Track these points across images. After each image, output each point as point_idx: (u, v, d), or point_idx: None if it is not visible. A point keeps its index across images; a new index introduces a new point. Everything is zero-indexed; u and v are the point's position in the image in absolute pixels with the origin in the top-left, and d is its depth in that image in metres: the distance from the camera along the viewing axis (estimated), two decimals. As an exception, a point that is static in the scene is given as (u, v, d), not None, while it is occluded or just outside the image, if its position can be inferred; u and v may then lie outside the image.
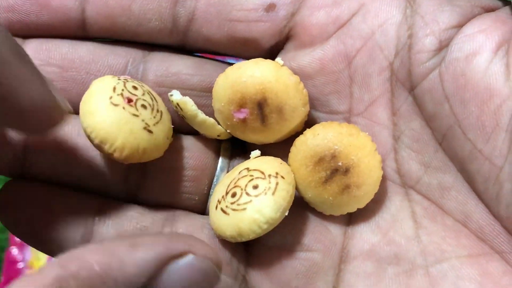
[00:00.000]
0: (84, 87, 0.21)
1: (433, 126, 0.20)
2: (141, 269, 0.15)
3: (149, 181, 0.22)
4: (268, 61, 0.21)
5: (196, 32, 0.22)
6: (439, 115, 0.19)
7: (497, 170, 0.18)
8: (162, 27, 0.21)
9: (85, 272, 0.14)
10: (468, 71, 0.19)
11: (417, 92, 0.20)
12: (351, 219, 0.22)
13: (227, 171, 0.23)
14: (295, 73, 0.21)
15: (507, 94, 0.18)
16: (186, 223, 0.22)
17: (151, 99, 0.20)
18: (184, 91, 0.22)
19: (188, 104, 0.21)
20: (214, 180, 0.23)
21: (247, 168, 0.21)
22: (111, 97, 0.19)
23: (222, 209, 0.20)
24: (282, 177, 0.20)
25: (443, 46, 0.19)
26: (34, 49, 0.21)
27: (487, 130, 0.18)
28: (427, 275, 0.20)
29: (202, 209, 0.23)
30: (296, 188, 0.21)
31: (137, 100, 0.20)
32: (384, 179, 0.21)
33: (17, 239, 0.60)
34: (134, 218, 0.21)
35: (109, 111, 0.19)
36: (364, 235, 0.21)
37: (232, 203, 0.20)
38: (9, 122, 0.16)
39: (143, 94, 0.20)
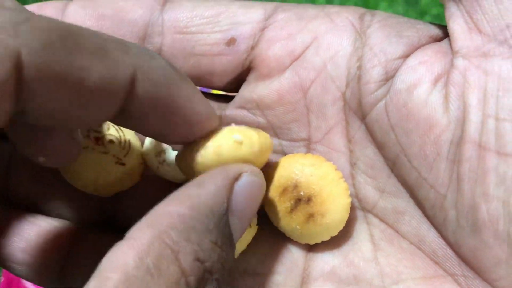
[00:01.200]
0: None
1: (384, 153, 0.21)
2: (218, 196, 0.17)
3: (123, 208, 0.23)
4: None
5: None
6: (387, 144, 0.20)
7: (441, 198, 0.19)
8: None
9: (177, 219, 0.16)
10: (410, 102, 0.19)
11: (368, 121, 0.21)
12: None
13: None
14: (257, 104, 0.22)
15: (446, 125, 0.19)
16: None
17: (117, 131, 0.22)
18: None
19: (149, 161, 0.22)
20: None
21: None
22: None
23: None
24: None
25: (389, 77, 0.20)
26: None
27: (429, 159, 0.19)
28: None
29: None
30: (270, 218, 0.22)
31: (103, 136, 0.21)
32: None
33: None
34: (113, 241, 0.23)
35: (82, 157, 0.21)
36: (325, 257, 0.22)
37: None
38: (180, 133, 0.19)
39: (108, 129, 0.21)
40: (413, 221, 0.21)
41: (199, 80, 0.23)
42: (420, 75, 0.20)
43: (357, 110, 0.21)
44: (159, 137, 0.19)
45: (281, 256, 0.23)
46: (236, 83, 0.23)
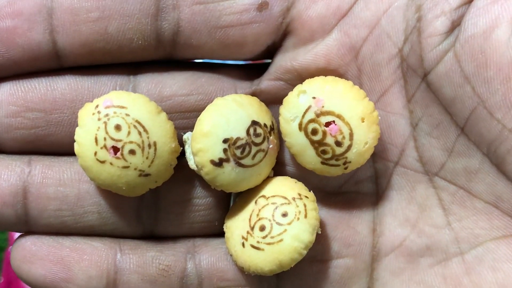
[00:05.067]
0: (72, 128, 0.20)
1: (453, 110, 0.19)
2: None
3: (163, 215, 0.21)
4: None
5: (185, 44, 0.20)
6: (459, 98, 0.18)
7: None
8: (146, 45, 0.20)
9: None
10: (488, 48, 0.17)
11: (432, 77, 0.19)
12: (378, 215, 0.21)
13: None
14: (299, 73, 0.20)
15: None
16: (208, 254, 0.21)
17: (139, 133, 0.19)
18: (184, 114, 0.20)
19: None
20: (231, 199, 0.22)
21: (264, 196, 0.20)
22: (95, 153, 0.18)
23: (253, 246, 0.19)
24: (306, 196, 0.19)
25: (455, 25, 0.18)
26: (9, 93, 0.20)
27: None
28: (462, 262, 0.20)
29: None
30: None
31: (123, 146, 0.18)
32: (405, 168, 0.20)
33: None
34: (156, 258, 0.20)
35: (99, 170, 0.19)
36: (393, 230, 0.20)
37: (263, 237, 0.19)
38: None
39: (129, 134, 0.18)
40: (488, 179, 0.19)
41: (227, 54, 0.20)
42: (495, 16, 0.17)
43: (418, 66, 0.19)
44: None
45: (347, 238, 0.21)
46: (268, 51, 0.20)
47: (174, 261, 0.21)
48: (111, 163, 0.18)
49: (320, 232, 0.20)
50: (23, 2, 0.19)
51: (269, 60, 0.21)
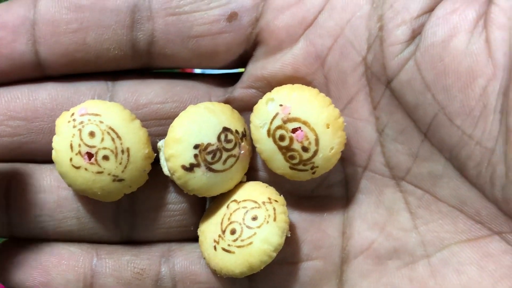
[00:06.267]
0: (51, 135, 0.20)
1: (416, 117, 0.19)
2: None
3: (139, 221, 0.22)
4: None
5: (160, 53, 0.21)
6: (421, 105, 0.19)
7: (489, 153, 0.18)
8: (122, 55, 0.20)
9: None
10: (446, 56, 0.18)
11: (395, 84, 0.19)
12: (348, 218, 0.21)
13: None
14: (268, 81, 0.20)
15: (491, 73, 0.17)
16: (182, 257, 0.22)
17: (112, 140, 0.19)
18: (159, 122, 0.21)
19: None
20: (207, 205, 0.22)
21: (235, 200, 0.20)
22: (71, 159, 0.19)
23: (224, 249, 0.20)
24: (276, 200, 0.20)
25: (416, 34, 0.18)
26: None
27: (475, 113, 0.18)
28: (428, 265, 0.20)
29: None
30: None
31: (97, 152, 0.19)
32: (373, 173, 0.21)
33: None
34: (131, 262, 0.21)
35: (75, 176, 0.19)
36: (362, 233, 0.21)
37: (234, 240, 0.20)
38: None
39: (102, 140, 0.19)
40: (452, 183, 0.20)
41: (200, 62, 0.21)
42: (453, 25, 0.18)
43: (381, 74, 0.19)
44: None
45: (317, 240, 0.21)
46: (241, 60, 0.21)
47: (148, 265, 0.21)
48: (85, 169, 0.19)
49: (289, 235, 0.20)
50: (7, 15, 0.20)
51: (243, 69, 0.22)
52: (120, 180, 0.19)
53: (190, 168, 0.20)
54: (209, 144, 0.20)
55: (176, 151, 0.19)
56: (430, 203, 0.20)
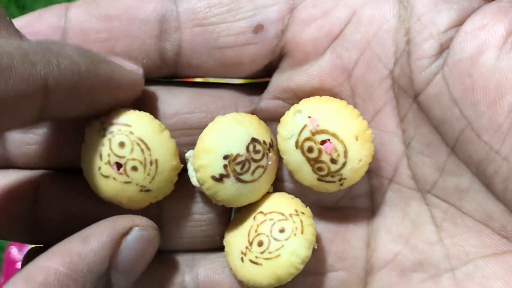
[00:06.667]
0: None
1: (443, 131, 0.19)
2: (100, 255, 0.17)
3: (165, 230, 0.22)
4: None
5: (186, 63, 0.21)
6: (449, 120, 0.19)
7: None
8: (150, 64, 0.21)
9: (52, 277, 0.16)
10: (474, 72, 0.18)
11: (422, 98, 0.19)
12: (372, 230, 0.21)
13: None
14: (295, 93, 0.21)
15: None
16: (206, 267, 0.22)
17: (141, 151, 0.19)
18: (187, 132, 0.21)
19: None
20: (232, 215, 0.22)
21: (262, 212, 0.21)
22: (100, 168, 0.19)
23: (251, 261, 0.20)
24: (302, 212, 0.20)
25: (444, 48, 0.19)
26: None
27: (503, 130, 0.18)
28: (453, 278, 0.20)
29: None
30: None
31: (126, 163, 0.19)
32: (399, 185, 0.21)
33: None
34: (155, 271, 0.21)
35: (103, 184, 0.19)
36: (387, 245, 0.21)
37: (262, 252, 0.20)
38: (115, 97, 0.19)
39: (132, 151, 0.19)
40: (478, 197, 0.20)
41: (226, 72, 0.21)
42: (482, 41, 0.18)
43: (409, 88, 0.19)
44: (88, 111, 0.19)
45: (342, 251, 0.21)
46: (266, 70, 0.21)
47: (173, 274, 0.21)
48: (114, 178, 0.19)
49: (316, 247, 0.20)
50: (39, 24, 0.20)
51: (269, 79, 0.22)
52: (147, 190, 0.20)
53: (219, 179, 0.20)
54: (238, 155, 0.20)
55: (206, 162, 0.20)
56: (455, 216, 0.20)
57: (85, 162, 0.20)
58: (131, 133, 0.19)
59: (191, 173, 0.21)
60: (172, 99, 0.21)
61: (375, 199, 0.21)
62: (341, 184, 0.20)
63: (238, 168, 0.20)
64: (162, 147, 0.20)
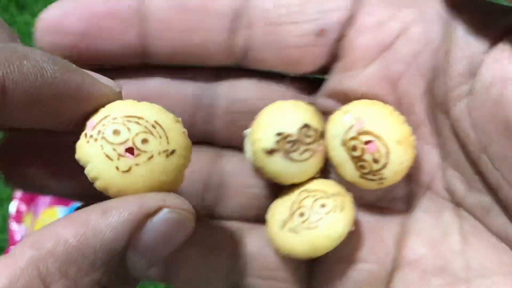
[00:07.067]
0: None
1: (467, 151, 0.20)
2: (117, 233, 0.15)
3: (224, 200, 0.24)
4: None
5: (253, 58, 0.23)
6: (470, 142, 0.20)
7: None
8: (221, 56, 0.22)
9: (61, 247, 0.14)
10: (487, 100, 0.19)
11: (451, 117, 0.21)
12: (404, 232, 0.23)
13: None
14: (346, 94, 0.22)
15: None
16: (254, 238, 0.24)
17: (136, 123, 0.18)
18: (251, 115, 0.23)
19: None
20: None
21: (306, 190, 0.22)
22: (117, 168, 0.18)
23: (291, 229, 0.21)
24: (344, 195, 0.22)
25: (473, 73, 0.19)
26: None
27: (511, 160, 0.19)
28: None
29: None
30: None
31: (133, 142, 0.18)
32: (435, 194, 0.22)
33: (17, 240, 0.61)
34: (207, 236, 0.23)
35: (131, 179, 0.18)
36: (415, 247, 0.22)
37: (302, 223, 0.21)
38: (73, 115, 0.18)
39: (128, 130, 0.18)
40: (499, 219, 0.21)
41: (286, 68, 0.23)
42: (497, 71, 0.19)
43: (444, 105, 0.21)
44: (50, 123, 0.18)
45: (374, 245, 0.23)
46: (320, 70, 0.23)
47: (221, 242, 0.23)
48: (136, 164, 0.17)
49: (353, 229, 0.21)
50: (118, 4, 0.21)
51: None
52: (173, 152, 0.18)
53: (270, 152, 0.22)
54: (289, 135, 0.22)
55: (260, 136, 0.22)
56: (482, 232, 0.21)
57: (100, 175, 0.18)
58: (114, 118, 0.18)
59: (247, 148, 0.23)
60: (243, 85, 0.23)
61: (411, 203, 0.23)
62: (381, 183, 0.21)
63: (288, 146, 0.22)
64: (148, 108, 0.18)
